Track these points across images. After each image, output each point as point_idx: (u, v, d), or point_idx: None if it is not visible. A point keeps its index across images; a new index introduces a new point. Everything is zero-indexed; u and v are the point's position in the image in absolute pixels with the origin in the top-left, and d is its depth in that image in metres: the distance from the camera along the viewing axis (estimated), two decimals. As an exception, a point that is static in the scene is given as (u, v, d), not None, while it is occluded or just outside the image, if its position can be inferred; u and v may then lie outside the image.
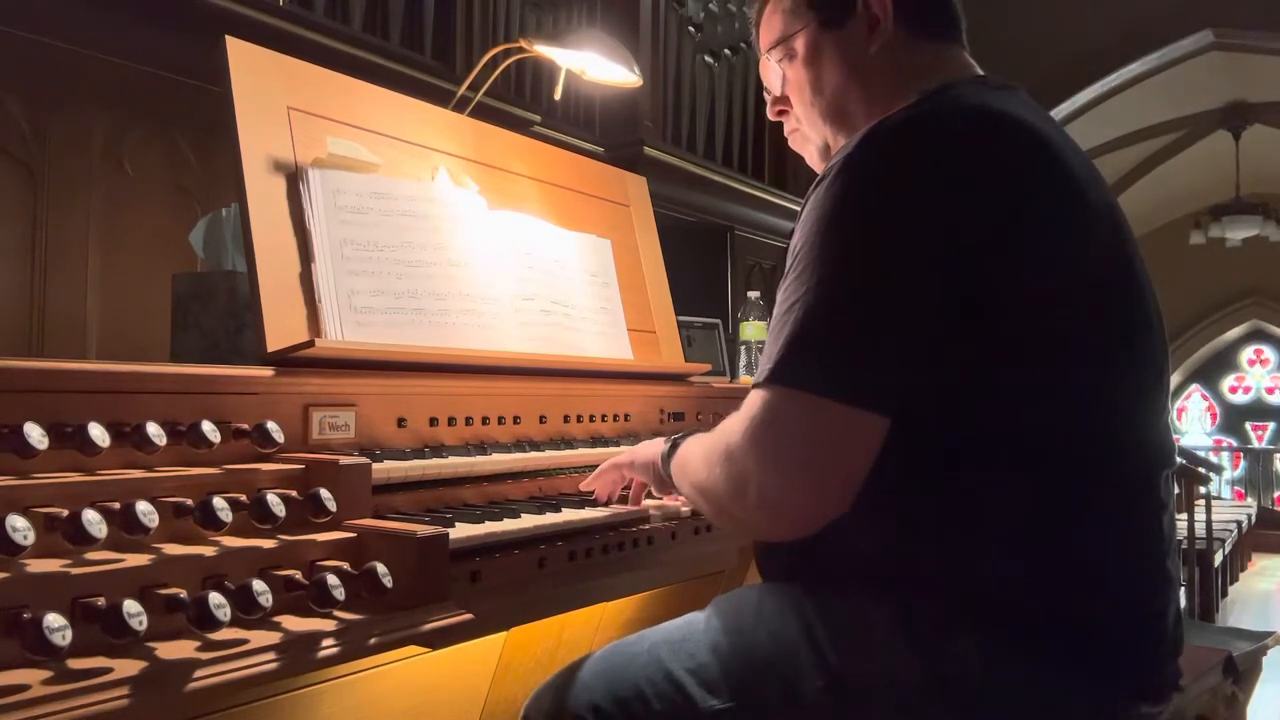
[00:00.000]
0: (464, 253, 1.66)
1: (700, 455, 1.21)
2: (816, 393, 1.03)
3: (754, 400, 1.09)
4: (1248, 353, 11.85)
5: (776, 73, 1.40)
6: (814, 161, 1.42)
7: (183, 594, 0.94)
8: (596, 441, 1.74)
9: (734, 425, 1.11)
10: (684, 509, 1.57)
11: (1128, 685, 1.10)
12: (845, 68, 1.31)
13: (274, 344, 1.36)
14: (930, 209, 1.05)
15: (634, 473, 1.51)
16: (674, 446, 1.35)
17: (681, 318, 2.29)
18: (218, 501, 1.04)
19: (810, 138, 1.40)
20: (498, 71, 2.60)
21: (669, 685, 1.16)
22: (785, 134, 1.47)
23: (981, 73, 1.30)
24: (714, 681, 1.15)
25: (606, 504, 1.54)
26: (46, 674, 0.83)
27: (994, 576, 1.06)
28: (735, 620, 1.20)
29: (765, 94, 1.47)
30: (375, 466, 1.26)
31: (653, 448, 1.45)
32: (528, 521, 1.34)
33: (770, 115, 1.47)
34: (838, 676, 1.09)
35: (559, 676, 1.28)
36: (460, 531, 1.23)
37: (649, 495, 1.58)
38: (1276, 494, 11.22)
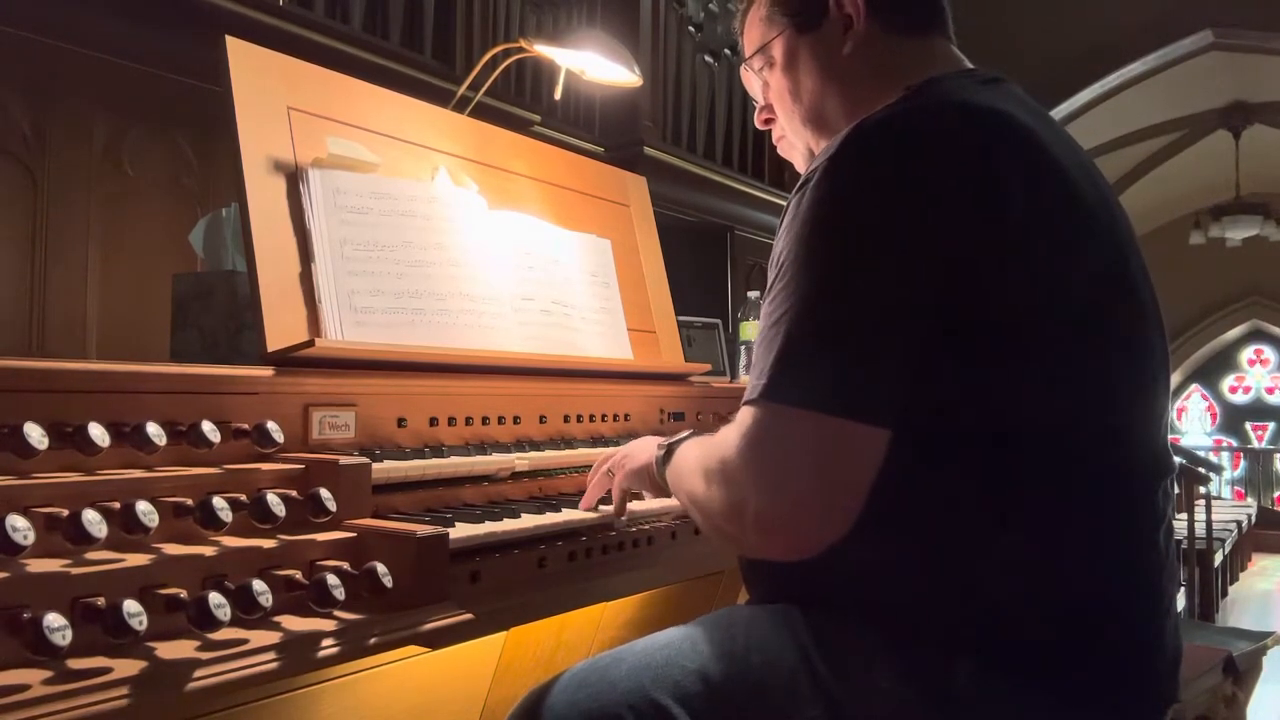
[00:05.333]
0: (464, 252, 1.66)
1: (697, 467, 1.16)
2: (813, 408, 0.99)
3: (746, 417, 1.04)
4: (1248, 353, 11.85)
5: (758, 81, 1.39)
6: (801, 168, 1.37)
7: (183, 594, 0.94)
8: (596, 441, 1.74)
9: (728, 441, 1.06)
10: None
11: (1127, 704, 1.07)
12: (821, 71, 1.29)
13: (274, 344, 1.36)
14: (912, 213, 1.01)
15: (627, 481, 1.45)
16: (669, 453, 1.30)
17: (681, 318, 2.29)
18: (218, 501, 1.04)
19: (795, 144, 1.38)
20: (498, 71, 2.60)
21: (654, 713, 1.10)
22: (774, 141, 1.45)
23: (970, 65, 1.25)
24: (703, 709, 1.10)
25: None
26: (46, 674, 0.83)
27: (990, 598, 1.03)
28: (725, 644, 1.14)
29: (753, 102, 1.46)
30: (375, 466, 1.26)
31: (644, 453, 1.40)
32: (528, 521, 1.34)
33: (758, 124, 1.45)
34: (836, 704, 1.06)
35: (527, 704, 1.20)
36: (460, 531, 1.23)
37: (636, 498, 1.52)
38: (1276, 494, 11.23)
